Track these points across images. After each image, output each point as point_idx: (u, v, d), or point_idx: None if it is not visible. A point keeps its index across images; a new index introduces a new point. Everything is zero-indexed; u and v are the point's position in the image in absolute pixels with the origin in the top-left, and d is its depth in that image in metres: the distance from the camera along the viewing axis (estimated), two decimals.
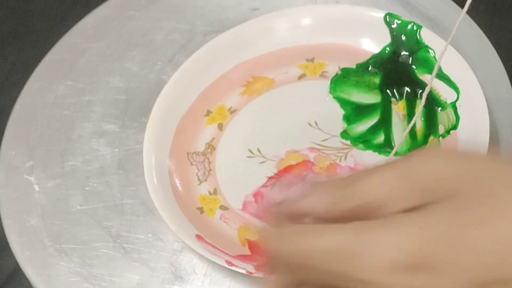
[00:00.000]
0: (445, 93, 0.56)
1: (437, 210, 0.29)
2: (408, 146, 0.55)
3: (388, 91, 0.58)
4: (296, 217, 0.32)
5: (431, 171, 0.29)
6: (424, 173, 0.29)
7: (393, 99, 0.58)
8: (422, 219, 0.29)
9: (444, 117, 0.55)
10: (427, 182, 0.29)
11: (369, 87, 0.59)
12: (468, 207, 0.29)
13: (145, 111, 0.59)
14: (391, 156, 0.53)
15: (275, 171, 0.56)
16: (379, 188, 0.30)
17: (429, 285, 0.28)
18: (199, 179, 0.56)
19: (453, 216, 0.28)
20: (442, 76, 0.56)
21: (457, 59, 0.56)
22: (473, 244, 0.28)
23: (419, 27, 0.58)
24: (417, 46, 0.58)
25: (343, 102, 0.58)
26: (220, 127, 0.59)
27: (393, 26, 0.59)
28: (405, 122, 0.56)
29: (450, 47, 0.54)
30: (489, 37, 0.61)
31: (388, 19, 0.59)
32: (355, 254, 0.28)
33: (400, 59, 0.59)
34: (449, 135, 0.54)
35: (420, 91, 0.57)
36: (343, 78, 0.59)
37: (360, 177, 0.31)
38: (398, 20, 0.59)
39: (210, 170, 0.56)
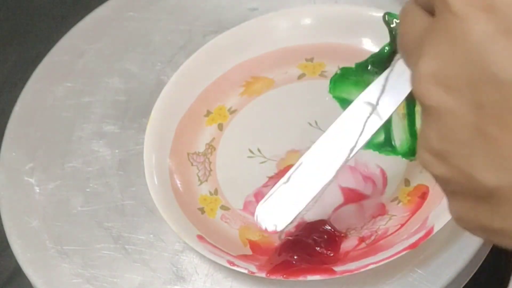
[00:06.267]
0: None
1: None
2: (408, 145, 0.55)
3: None
4: None
5: None
6: None
7: None
8: None
9: None
10: None
11: None
12: None
13: (145, 112, 0.59)
14: None
15: (276, 171, 0.56)
16: None
17: None
18: (199, 180, 0.56)
19: None
20: None
21: None
22: None
23: None
24: None
25: (343, 102, 0.58)
26: (220, 127, 0.59)
27: (392, 25, 0.59)
28: (405, 121, 0.56)
29: None
30: None
31: (387, 18, 0.59)
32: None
33: None
34: None
35: None
36: (342, 77, 0.59)
37: None
38: (397, 19, 0.59)
39: (211, 170, 0.56)
